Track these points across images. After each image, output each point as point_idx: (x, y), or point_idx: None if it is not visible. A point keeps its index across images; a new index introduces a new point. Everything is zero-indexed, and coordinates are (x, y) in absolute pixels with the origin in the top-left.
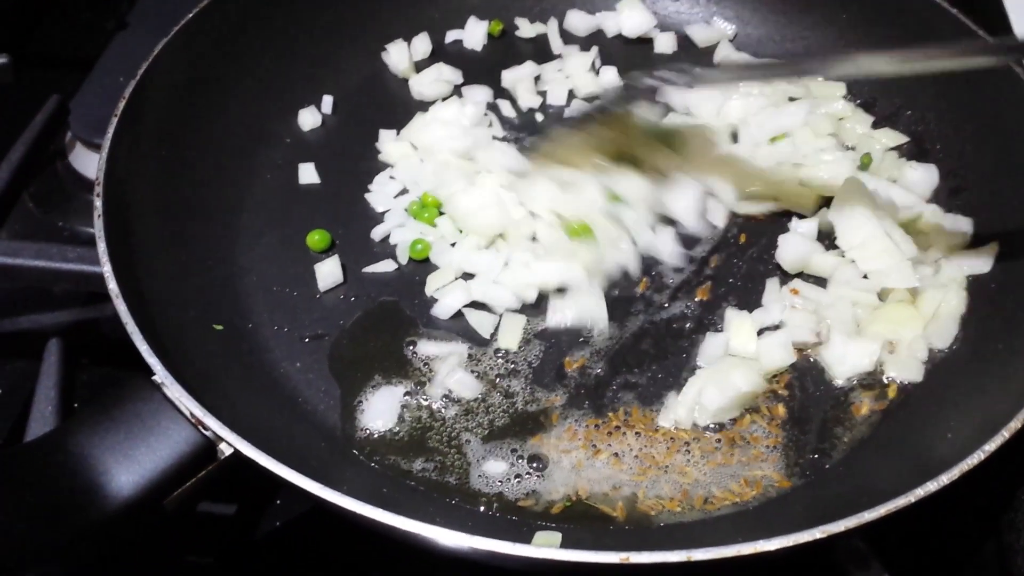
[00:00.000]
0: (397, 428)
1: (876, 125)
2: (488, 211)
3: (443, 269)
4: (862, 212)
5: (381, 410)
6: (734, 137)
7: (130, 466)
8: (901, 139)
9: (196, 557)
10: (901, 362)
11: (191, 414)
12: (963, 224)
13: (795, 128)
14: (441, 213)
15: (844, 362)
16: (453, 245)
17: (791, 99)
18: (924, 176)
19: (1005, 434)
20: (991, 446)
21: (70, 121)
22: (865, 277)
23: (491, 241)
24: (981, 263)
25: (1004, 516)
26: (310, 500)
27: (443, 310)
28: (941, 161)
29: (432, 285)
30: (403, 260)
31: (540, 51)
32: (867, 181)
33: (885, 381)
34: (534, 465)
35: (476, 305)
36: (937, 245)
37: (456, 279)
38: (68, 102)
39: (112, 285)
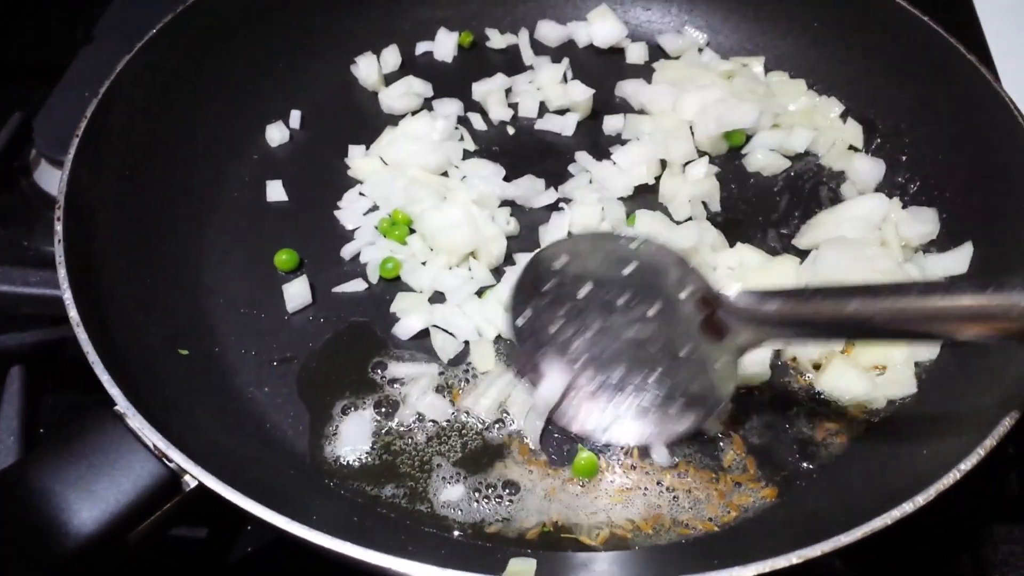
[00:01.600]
0: (368, 454)
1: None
2: (459, 229)
3: (412, 289)
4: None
5: (351, 435)
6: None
7: (92, 501)
8: (858, 135)
9: None
10: (894, 381)
11: (154, 446)
12: (928, 215)
13: (750, 123)
14: (412, 231)
15: (840, 389)
16: (424, 264)
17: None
18: (871, 167)
19: (981, 452)
20: (967, 465)
21: (34, 138)
22: None
23: (462, 259)
24: (957, 264)
25: (981, 529)
26: (279, 532)
27: (404, 330)
28: (916, 163)
29: (398, 304)
30: (373, 279)
31: (511, 62)
32: None
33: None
34: (507, 491)
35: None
36: (908, 243)
37: (424, 299)
38: (32, 118)
39: (73, 312)
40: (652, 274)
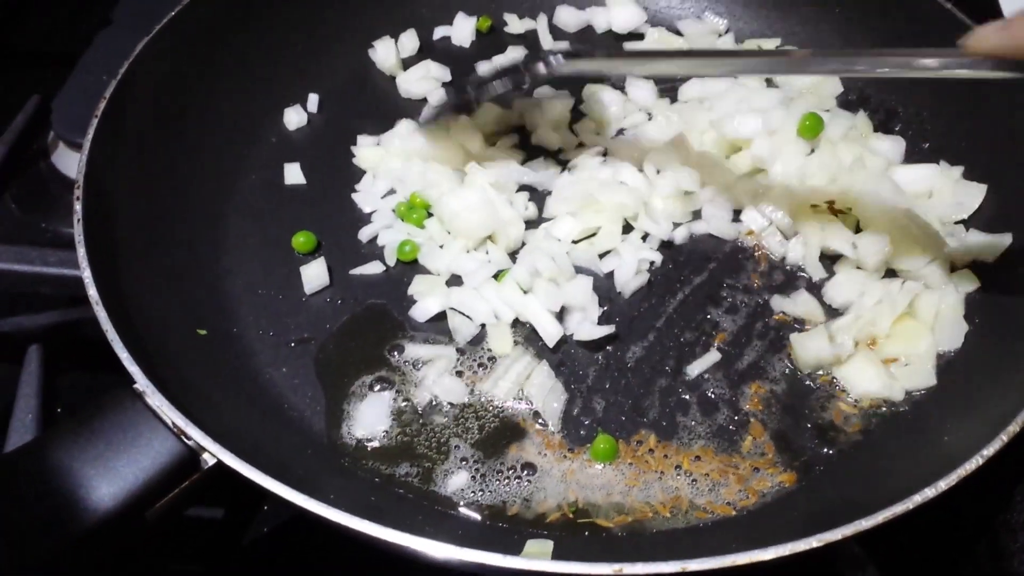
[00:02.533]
0: (384, 434)
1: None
2: (476, 213)
3: (430, 272)
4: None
5: (368, 416)
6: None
7: (111, 478)
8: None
9: (183, 564)
10: (914, 373)
11: (173, 424)
12: (974, 190)
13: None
14: (430, 214)
15: (860, 384)
16: (442, 247)
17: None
18: (892, 147)
19: (1004, 438)
20: (989, 450)
21: (52, 120)
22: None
23: (480, 243)
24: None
25: (1000, 517)
26: (296, 510)
27: (420, 312)
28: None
29: (416, 287)
30: (391, 262)
31: (529, 47)
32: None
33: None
34: (525, 472)
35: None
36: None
37: (441, 282)
38: (50, 101)
39: (92, 291)
40: None
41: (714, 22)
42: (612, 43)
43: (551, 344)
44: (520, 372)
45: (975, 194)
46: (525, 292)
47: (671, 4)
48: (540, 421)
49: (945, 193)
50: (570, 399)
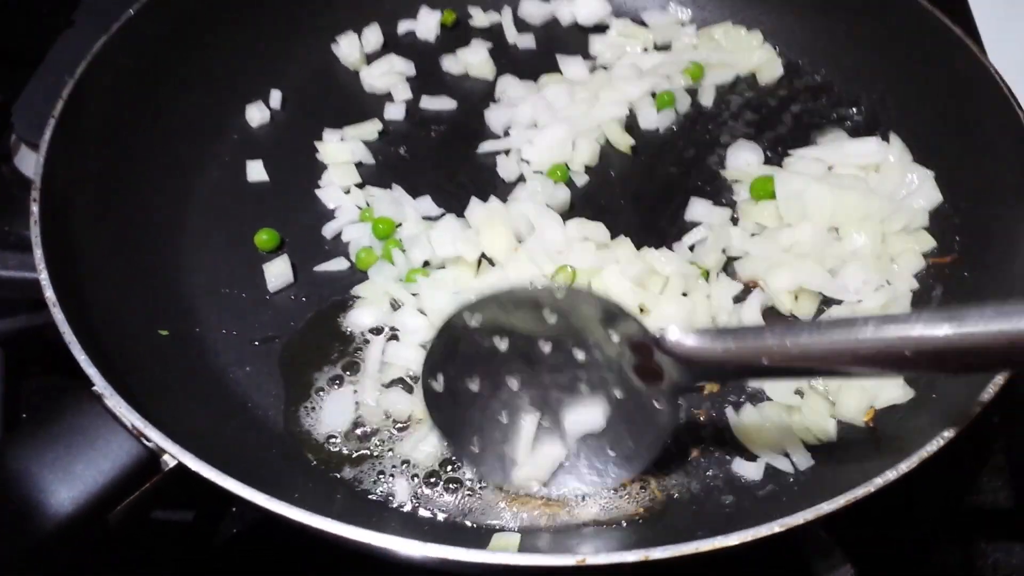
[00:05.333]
0: (350, 432)
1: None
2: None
3: (373, 283)
4: None
5: (333, 414)
6: None
7: (70, 481)
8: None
9: (154, 568)
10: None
11: (132, 425)
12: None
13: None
14: (398, 225)
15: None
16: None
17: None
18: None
19: (964, 420)
20: (949, 432)
21: (13, 122)
22: None
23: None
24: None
25: (967, 500)
26: (261, 511)
27: (353, 320)
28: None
29: (361, 289)
30: (355, 258)
31: (494, 41)
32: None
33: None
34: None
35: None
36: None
37: (386, 301)
38: (12, 103)
39: (49, 293)
40: (579, 321)
41: (677, 12)
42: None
43: None
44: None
45: (925, 176)
46: None
47: None
48: None
49: (893, 171)
50: None
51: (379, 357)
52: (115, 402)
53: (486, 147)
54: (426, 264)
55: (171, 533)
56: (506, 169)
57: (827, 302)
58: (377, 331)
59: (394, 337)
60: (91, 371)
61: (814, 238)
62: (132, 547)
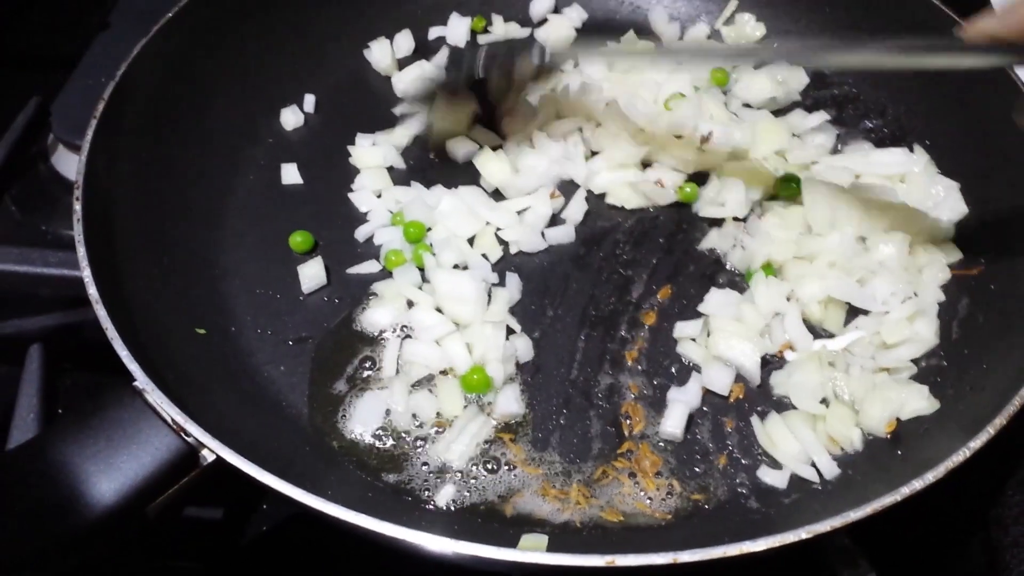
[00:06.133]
0: (382, 432)
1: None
2: (467, 306)
3: (397, 282)
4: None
5: (364, 414)
6: None
7: (111, 473)
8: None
9: (183, 563)
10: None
11: (172, 420)
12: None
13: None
14: (429, 229)
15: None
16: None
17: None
18: (900, 159)
19: (990, 431)
20: (976, 443)
21: (52, 123)
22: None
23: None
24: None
25: (991, 511)
26: (295, 506)
27: (369, 320)
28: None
29: (381, 287)
30: (384, 260)
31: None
32: None
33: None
34: (506, 467)
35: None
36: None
37: (403, 301)
38: (50, 103)
39: (92, 290)
40: None
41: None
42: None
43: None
44: (474, 434)
45: (951, 188)
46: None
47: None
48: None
49: (918, 181)
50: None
51: (396, 356)
52: (156, 397)
53: None
54: (455, 267)
55: (201, 529)
56: None
57: (853, 311)
58: (394, 330)
59: (409, 336)
60: (133, 367)
61: (842, 247)
62: (164, 543)
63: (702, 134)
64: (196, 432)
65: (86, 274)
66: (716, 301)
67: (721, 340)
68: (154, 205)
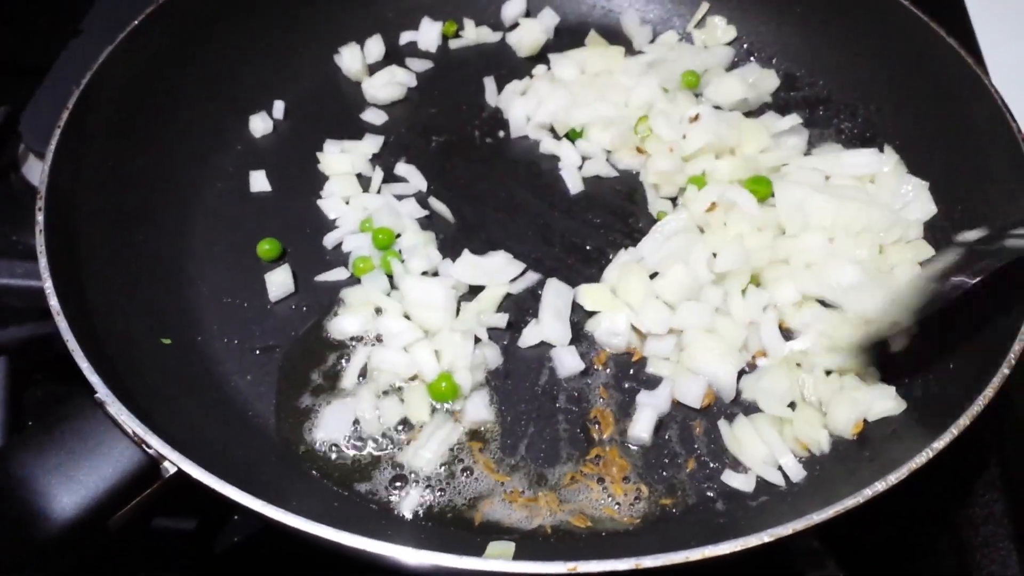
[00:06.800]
0: (349, 441)
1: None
2: (435, 313)
3: (365, 289)
4: None
5: (333, 422)
6: None
7: (72, 486)
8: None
9: (156, 574)
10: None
11: (133, 432)
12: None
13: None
14: (398, 235)
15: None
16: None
17: None
18: (870, 160)
19: (954, 431)
20: (940, 444)
21: (21, 132)
22: None
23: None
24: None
25: (961, 512)
26: (257, 517)
27: (336, 327)
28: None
29: (348, 294)
30: (353, 267)
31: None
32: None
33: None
34: (469, 475)
35: None
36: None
37: (371, 309)
38: (20, 112)
39: (53, 301)
40: None
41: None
42: None
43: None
44: (443, 441)
45: (920, 187)
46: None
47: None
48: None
49: (888, 182)
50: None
51: (364, 364)
52: (117, 409)
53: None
54: (424, 274)
55: (174, 541)
56: None
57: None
58: (362, 338)
59: (377, 343)
60: (93, 379)
61: (817, 248)
62: (135, 555)
63: (690, 115)
64: (157, 444)
65: (47, 285)
66: (690, 312)
67: (697, 355)
68: (120, 214)
